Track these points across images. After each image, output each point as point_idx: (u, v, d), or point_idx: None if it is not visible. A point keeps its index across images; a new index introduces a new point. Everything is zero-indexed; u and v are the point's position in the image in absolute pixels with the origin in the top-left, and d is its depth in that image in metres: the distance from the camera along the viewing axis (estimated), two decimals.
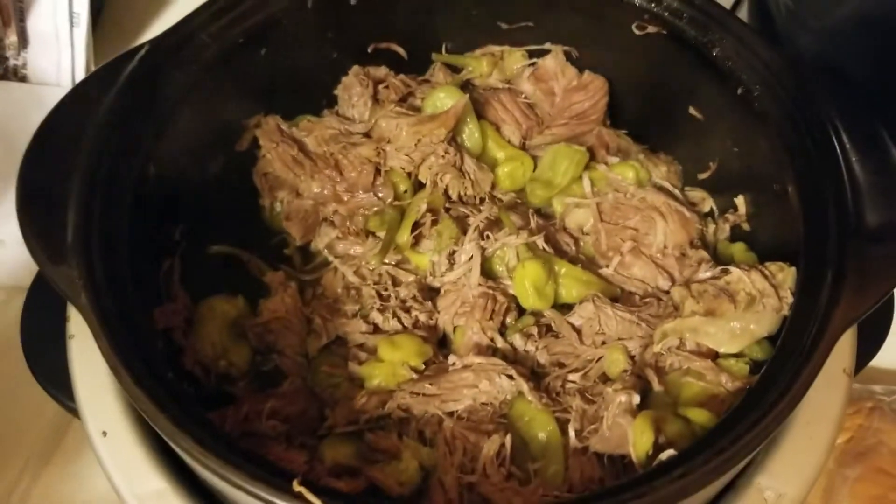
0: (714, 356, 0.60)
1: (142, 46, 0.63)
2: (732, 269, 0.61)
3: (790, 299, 0.58)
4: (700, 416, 0.55)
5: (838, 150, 0.58)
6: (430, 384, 0.59)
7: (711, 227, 0.72)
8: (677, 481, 0.45)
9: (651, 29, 0.69)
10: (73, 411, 0.62)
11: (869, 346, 0.66)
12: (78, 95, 0.60)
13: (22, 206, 0.55)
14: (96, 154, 0.57)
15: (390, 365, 0.61)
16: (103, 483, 0.75)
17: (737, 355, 0.60)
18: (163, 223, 0.65)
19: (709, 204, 0.73)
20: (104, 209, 0.57)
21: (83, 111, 0.59)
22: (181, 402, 0.48)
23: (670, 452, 0.49)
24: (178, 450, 0.47)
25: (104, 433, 0.57)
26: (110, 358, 0.49)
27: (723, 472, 0.46)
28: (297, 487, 0.44)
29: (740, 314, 0.59)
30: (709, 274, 0.63)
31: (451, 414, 0.59)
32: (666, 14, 0.68)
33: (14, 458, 0.76)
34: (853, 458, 0.71)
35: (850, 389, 0.60)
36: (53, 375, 0.64)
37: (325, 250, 0.72)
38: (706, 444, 0.47)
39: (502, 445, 0.56)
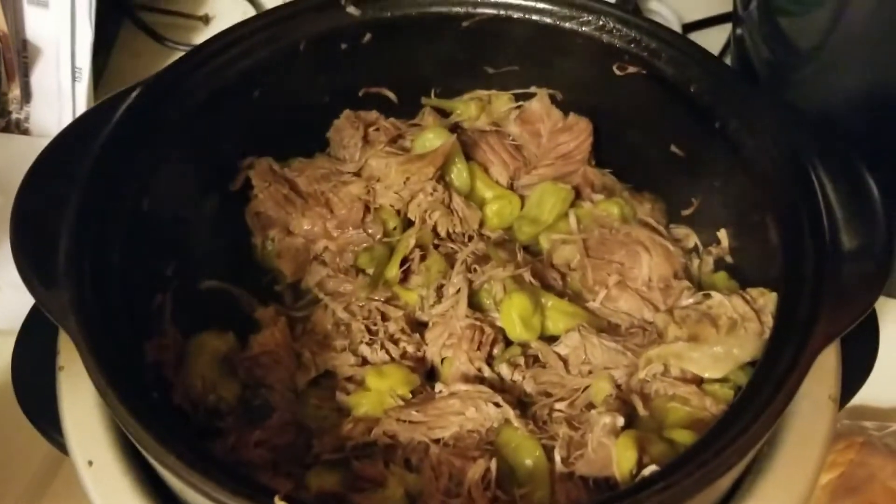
0: (699, 382, 0.61)
1: (137, 85, 0.65)
2: (714, 294, 0.62)
3: (771, 323, 0.59)
4: (685, 437, 0.55)
5: (814, 178, 0.60)
6: (417, 411, 0.60)
7: (696, 261, 0.73)
8: (660, 494, 0.45)
9: (631, 69, 0.71)
10: (60, 446, 0.62)
11: (856, 376, 0.66)
12: (75, 130, 0.62)
13: (15, 230, 0.56)
14: (91, 186, 0.59)
15: (377, 393, 0.61)
16: None
17: (721, 380, 0.60)
18: (155, 259, 0.66)
19: (693, 240, 0.74)
20: (97, 240, 0.58)
21: (79, 145, 0.61)
22: (167, 422, 0.48)
23: (653, 468, 0.49)
24: (161, 469, 0.47)
25: (90, 462, 0.57)
26: (96, 376, 0.49)
27: (705, 486, 0.46)
28: (278, 503, 0.44)
29: (723, 338, 0.59)
30: (691, 300, 0.64)
31: (437, 441, 0.59)
32: (645, 54, 0.70)
33: (4, 500, 0.75)
34: (846, 492, 0.70)
35: (836, 416, 0.60)
36: (42, 409, 0.63)
37: (316, 288, 0.73)
38: (688, 457, 0.47)
39: (487, 469, 0.56)
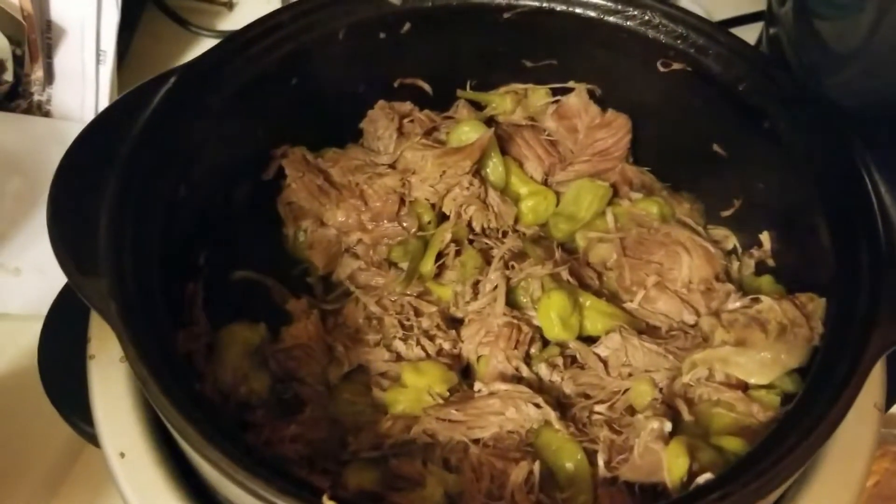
0: (744, 387, 0.60)
1: (175, 70, 0.63)
2: (763, 297, 0.61)
3: (821, 330, 0.58)
4: (733, 444, 0.54)
5: (868, 182, 0.58)
6: (457, 410, 0.58)
7: (735, 264, 0.71)
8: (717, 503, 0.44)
9: (676, 66, 0.70)
10: (89, 436, 0.61)
11: None
12: (112, 114, 0.61)
13: (53, 215, 0.54)
14: (128, 172, 0.58)
15: (415, 391, 0.60)
16: None
17: (767, 387, 0.59)
18: (189, 247, 0.65)
19: (732, 241, 0.73)
20: (135, 226, 0.56)
21: (116, 129, 0.59)
22: (208, 414, 0.47)
23: (707, 476, 0.48)
24: (204, 463, 0.46)
25: (122, 454, 0.56)
26: (138, 367, 0.48)
27: (762, 496, 0.45)
28: (326, 502, 0.43)
29: (771, 344, 0.58)
30: (738, 304, 0.63)
31: (477, 441, 0.58)
32: (691, 51, 0.69)
33: (23, 488, 0.74)
34: (881, 501, 0.69)
35: (881, 424, 0.59)
36: (69, 399, 0.62)
37: (348, 281, 0.72)
38: (744, 467, 0.46)
39: (531, 472, 0.55)
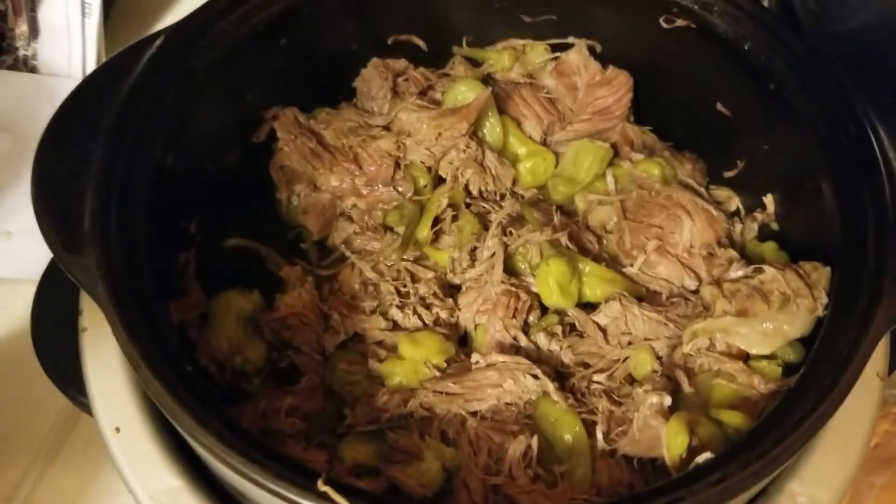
0: (745, 358, 0.59)
1: (160, 33, 0.61)
2: (766, 267, 0.59)
3: (824, 300, 0.57)
4: (734, 419, 0.53)
5: (875, 146, 0.57)
6: (454, 383, 0.58)
7: (738, 226, 0.70)
8: (716, 485, 0.44)
9: (680, 22, 0.68)
10: (84, 406, 0.61)
11: None
12: (95, 81, 0.59)
13: (38, 193, 0.53)
14: (114, 141, 0.56)
15: (412, 362, 0.60)
16: (110, 481, 0.74)
17: (769, 357, 0.58)
18: (179, 215, 0.64)
19: (735, 203, 0.72)
20: (122, 199, 0.55)
21: (100, 97, 0.57)
22: (201, 397, 0.47)
23: (707, 455, 0.48)
24: (197, 447, 0.45)
25: (117, 429, 0.56)
26: (128, 350, 0.47)
27: (763, 477, 0.45)
28: (321, 487, 0.42)
29: (773, 314, 0.57)
30: (741, 273, 0.61)
31: (474, 414, 0.57)
32: (696, 7, 0.66)
33: (20, 456, 0.74)
34: (880, 464, 0.69)
35: (882, 394, 0.58)
36: (64, 369, 0.62)
37: (343, 245, 0.71)
38: (745, 447, 0.46)
39: (528, 447, 0.54)
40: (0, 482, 0.74)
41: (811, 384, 0.48)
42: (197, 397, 0.46)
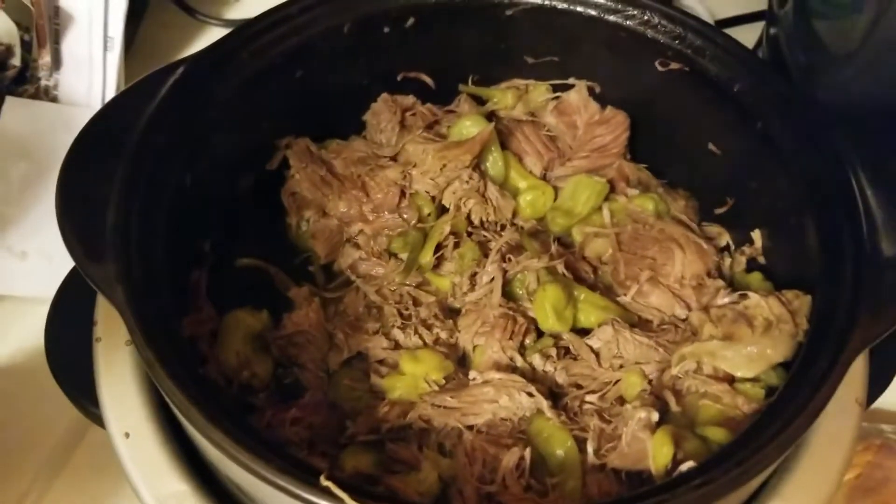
0: (731, 380, 0.61)
1: (183, 61, 0.65)
2: (751, 294, 0.62)
3: (805, 326, 0.60)
4: (718, 435, 0.55)
5: (854, 184, 0.60)
6: (451, 397, 0.60)
7: (728, 260, 0.73)
8: (697, 490, 0.46)
9: (674, 66, 0.71)
10: (93, 416, 0.63)
11: (880, 381, 0.67)
12: (120, 103, 0.62)
13: (62, 204, 0.56)
14: (137, 160, 0.59)
15: (412, 378, 0.62)
16: (114, 495, 0.76)
17: (753, 380, 0.61)
18: (194, 234, 0.67)
19: (725, 238, 0.75)
20: (142, 215, 0.58)
21: (125, 118, 0.61)
22: (212, 397, 0.49)
23: (690, 464, 0.50)
24: (207, 444, 0.47)
25: (127, 434, 0.58)
26: (144, 351, 0.50)
27: (741, 483, 0.47)
28: (323, 482, 0.45)
29: (757, 339, 0.60)
30: (727, 300, 0.64)
31: (470, 427, 0.60)
32: (689, 51, 0.70)
33: (25, 470, 0.76)
34: (862, 493, 0.71)
35: (861, 419, 0.61)
36: (76, 380, 0.64)
37: (348, 270, 0.73)
38: (726, 456, 0.48)
39: (522, 458, 0.56)
40: (5, 495, 0.75)
41: (788, 402, 0.51)
42: (208, 396, 0.48)
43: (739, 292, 0.64)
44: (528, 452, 0.57)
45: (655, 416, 0.57)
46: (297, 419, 0.60)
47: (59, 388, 0.65)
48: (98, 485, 0.77)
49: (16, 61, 0.94)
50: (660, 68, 0.72)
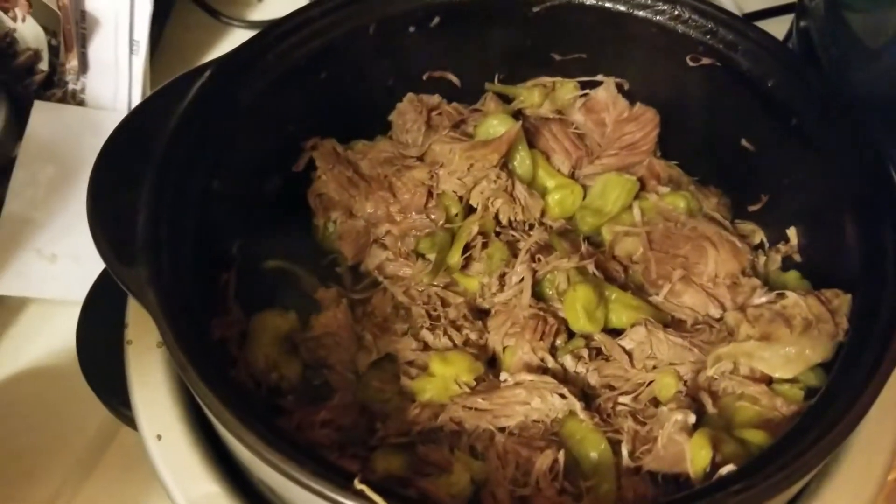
0: (768, 381, 0.60)
1: (209, 64, 0.65)
2: (788, 293, 0.61)
3: (845, 325, 0.58)
4: (757, 437, 0.54)
5: (893, 177, 0.59)
6: (483, 399, 0.60)
7: (762, 259, 0.72)
8: (737, 495, 0.45)
9: (705, 61, 0.70)
10: (125, 418, 0.63)
11: None
12: (148, 107, 0.62)
13: (93, 209, 0.56)
14: (166, 164, 0.59)
15: (442, 380, 0.61)
16: (145, 497, 0.76)
17: (791, 381, 0.60)
18: (222, 237, 0.67)
19: (759, 236, 0.73)
20: (171, 217, 0.58)
21: (153, 122, 0.61)
22: (244, 399, 0.49)
23: (730, 467, 0.49)
24: (239, 445, 0.47)
25: (159, 437, 0.58)
26: (176, 353, 0.50)
27: (783, 489, 0.46)
28: (357, 485, 0.44)
29: (795, 339, 0.59)
30: (764, 299, 0.63)
31: (502, 430, 0.59)
32: (720, 46, 0.69)
33: (56, 471, 0.77)
34: None
35: None
36: (107, 382, 0.65)
37: (376, 271, 0.73)
38: (767, 459, 0.47)
39: (555, 460, 0.56)
40: (36, 496, 0.76)
41: (830, 404, 0.50)
42: (239, 398, 0.48)
43: (777, 291, 0.63)
44: (561, 455, 0.56)
45: (692, 419, 0.56)
46: (327, 421, 0.59)
47: (89, 389, 0.66)
48: (128, 486, 0.77)
49: (43, 66, 0.95)
50: (691, 64, 0.71)
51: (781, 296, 0.62)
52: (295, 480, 0.45)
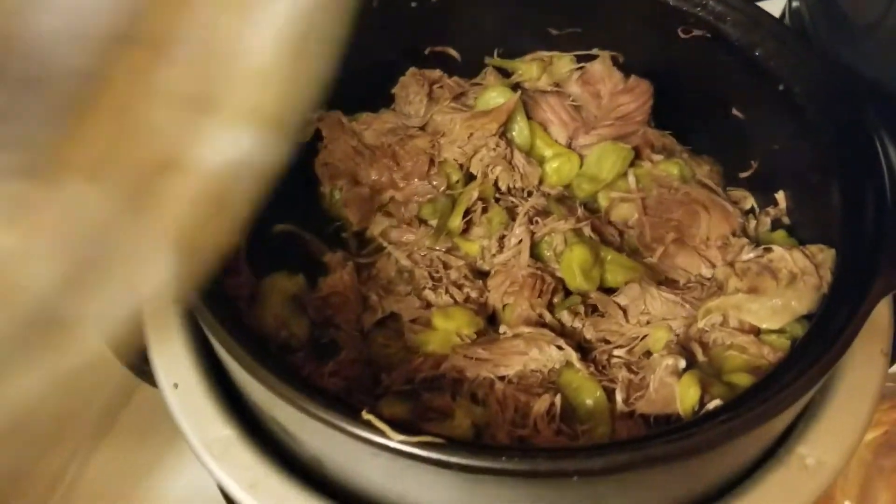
0: (756, 332, 0.63)
1: None
2: (775, 247, 0.64)
3: (829, 278, 0.61)
4: (744, 380, 0.57)
5: (876, 142, 0.61)
6: (483, 349, 0.62)
7: (752, 222, 0.74)
8: (722, 425, 0.48)
9: (696, 32, 0.73)
10: (142, 373, 0.66)
11: None
12: None
13: None
14: None
15: (444, 333, 0.64)
16: (159, 459, 0.79)
17: (778, 332, 0.62)
18: None
19: (750, 202, 0.76)
20: None
21: None
22: (258, 342, 0.52)
23: (716, 402, 0.52)
24: (254, 383, 0.50)
25: (175, 385, 0.61)
26: (195, 301, 0.52)
27: (766, 420, 0.49)
28: (365, 416, 0.47)
29: (782, 291, 0.61)
30: (752, 254, 0.66)
31: (502, 378, 0.62)
32: (710, 18, 0.72)
33: (73, 430, 0.79)
34: (889, 449, 0.73)
35: (887, 370, 0.62)
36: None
37: (380, 237, 0.76)
38: (749, 395, 0.50)
39: (552, 404, 0.58)
40: (52, 457, 0.78)
41: (812, 346, 0.53)
42: (253, 339, 0.51)
43: (763, 246, 0.66)
44: (558, 399, 0.59)
45: (682, 363, 0.59)
46: (334, 372, 0.62)
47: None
48: (144, 447, 0.80)
49: None
50: (682, 35, 0.74)
51: (768, 250, 0.64)
52: (306, 412, 0.48)
